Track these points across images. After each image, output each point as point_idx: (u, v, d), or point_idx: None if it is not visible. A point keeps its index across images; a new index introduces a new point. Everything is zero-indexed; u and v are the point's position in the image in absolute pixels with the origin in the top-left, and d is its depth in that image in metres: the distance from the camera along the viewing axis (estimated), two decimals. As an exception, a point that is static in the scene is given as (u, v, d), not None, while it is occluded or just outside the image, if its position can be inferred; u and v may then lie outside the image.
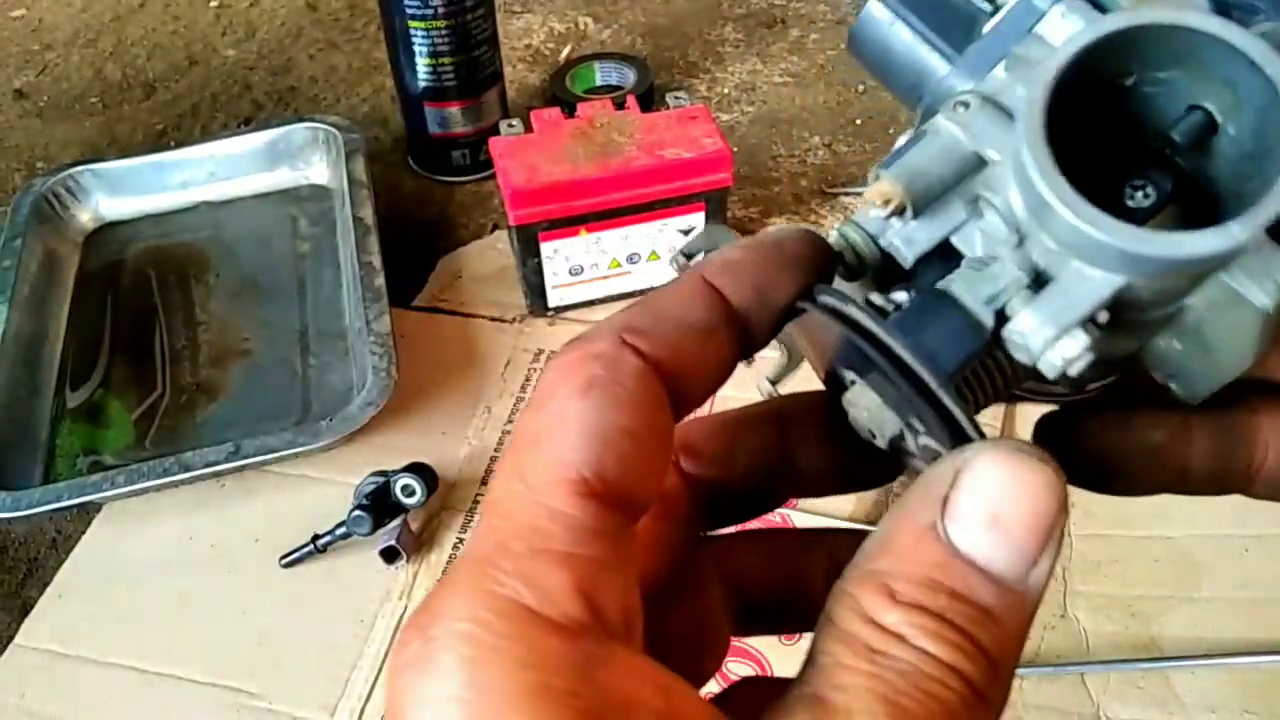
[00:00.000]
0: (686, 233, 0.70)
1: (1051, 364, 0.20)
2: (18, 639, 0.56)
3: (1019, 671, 0.52)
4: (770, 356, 0.24)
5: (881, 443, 0.21)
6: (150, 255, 0.78)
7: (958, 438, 0.19)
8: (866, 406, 0.21)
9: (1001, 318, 0.20)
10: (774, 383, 0.24)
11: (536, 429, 0.19)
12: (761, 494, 0.25)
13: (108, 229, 0.80)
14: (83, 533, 0.61)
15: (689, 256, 0.29)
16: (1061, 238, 0.20)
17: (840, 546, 0.25)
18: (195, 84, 0.97)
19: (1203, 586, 0.55)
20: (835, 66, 0.93)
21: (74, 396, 0.69)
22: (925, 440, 0.20)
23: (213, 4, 1.07)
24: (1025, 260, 0.20)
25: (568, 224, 0.67)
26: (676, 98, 0.71)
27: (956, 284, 0.21)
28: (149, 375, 0.70)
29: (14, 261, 0.71)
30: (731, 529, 0.26)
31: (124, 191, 0.80)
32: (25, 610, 0.58)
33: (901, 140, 0.22)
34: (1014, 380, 0.21)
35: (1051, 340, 0.19)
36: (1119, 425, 0.24)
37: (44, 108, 0.96)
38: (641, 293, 0.72)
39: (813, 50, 0.96)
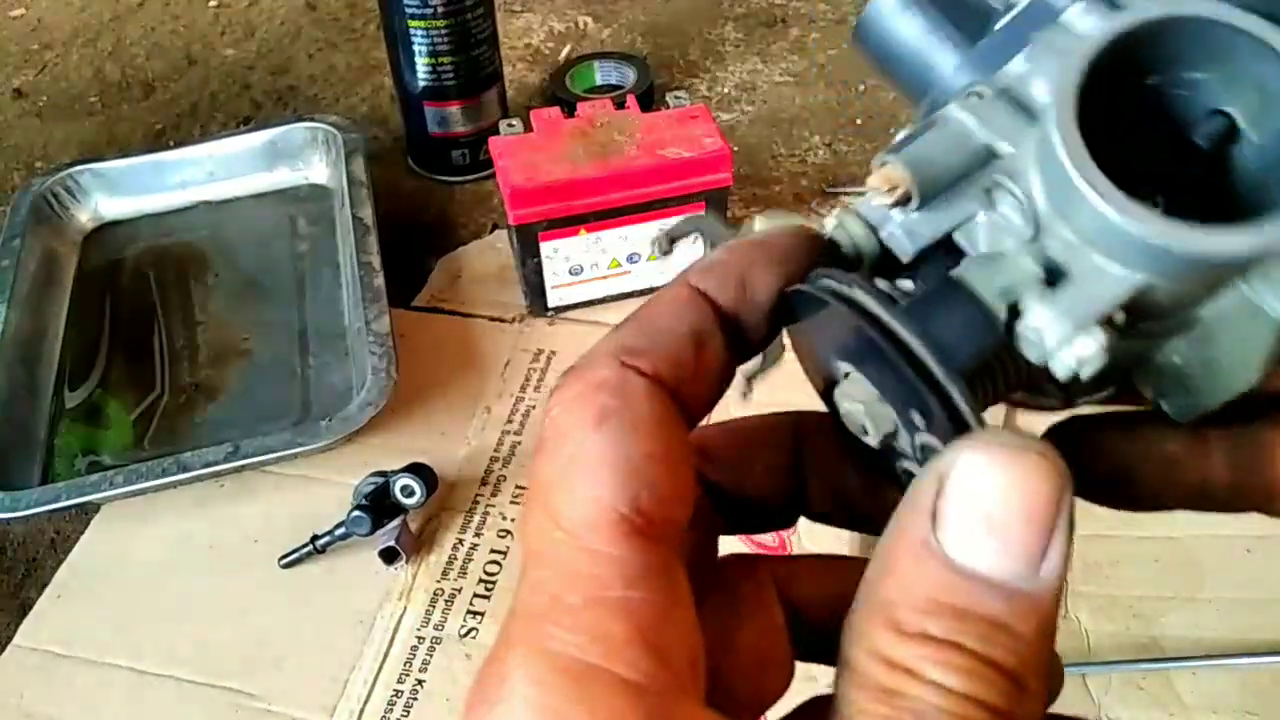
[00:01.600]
0: (686, 232, 0.69)
1: (1064, 364, 0.18)
2: (16, 639, 0.56)
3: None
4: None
5: (873, 440, 0.20)
6: (149, 255, 0.78)
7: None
8: (862, 400, 0.20)
9: (1013, 312, 0.19)
10: (749, 380, 0.23)
11: (560, 471, 0.18)
12: (771, 508, 0.25)
13: (107, 229, 0.80)
14: (81, 533, 0.61)
15: (672, 240, 0.28)
16: (1085, 229, 0.18)
17: None
18: (194, 83, 0.97)
19: (1205, 587, 0.55)
20: (836, 66, 0.93)
21: (73, 396, 0.69)
22: (924, 438, 0.19)
23: (212, 3, 1.07)
24: (1040, 254, 0.19)
25: (567, 223, 0.67)
26: (677, 97, 0.71)
27: (970, 274, 0.19)
28: (148, 375, 0.69)
29: (13, 261, 0.71)
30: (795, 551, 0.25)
31: (123, 191, 0.80)
32: (24, 611, 0.57)
33: (901, 134, 0.21)
34: (1017, 381, 0.20)
35: (1067, 337, 0.18)
36: (1131, 435, 0.22)
37: (43, 107, 0.96)
38: (642, 293, 0.71)
39: (813, 50, 0.95)
